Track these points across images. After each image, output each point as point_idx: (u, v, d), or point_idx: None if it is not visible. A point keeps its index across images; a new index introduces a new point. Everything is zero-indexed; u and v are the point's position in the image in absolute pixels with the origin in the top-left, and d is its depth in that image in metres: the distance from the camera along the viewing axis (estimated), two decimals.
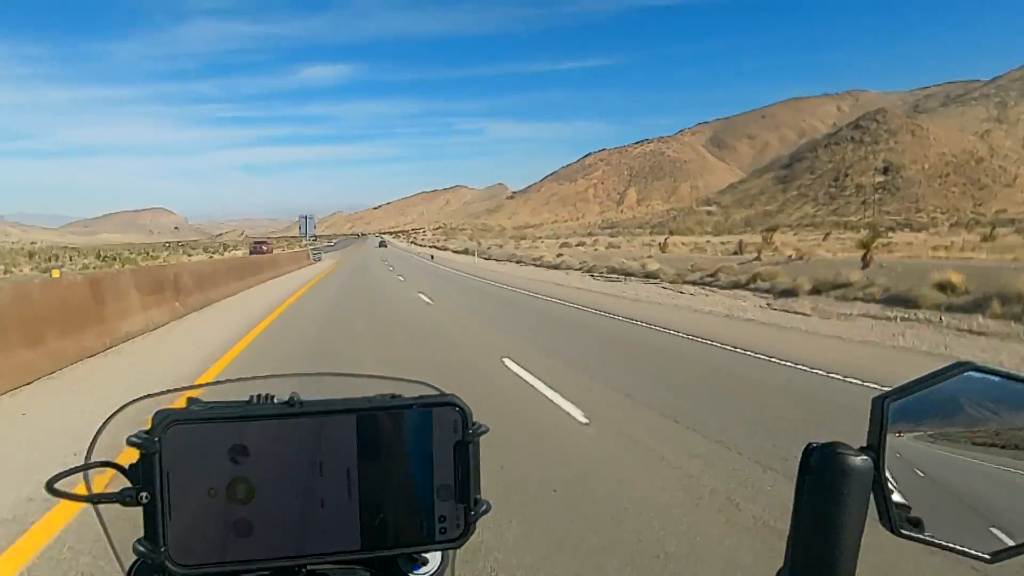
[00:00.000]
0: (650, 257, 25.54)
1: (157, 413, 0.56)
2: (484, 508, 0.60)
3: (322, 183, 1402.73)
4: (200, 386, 0.69)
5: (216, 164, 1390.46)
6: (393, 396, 0.61)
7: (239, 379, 0.75)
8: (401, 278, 23.43)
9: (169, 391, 0.77)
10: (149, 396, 0.70)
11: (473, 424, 0.59)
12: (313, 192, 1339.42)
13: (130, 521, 0.55)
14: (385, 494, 0.58)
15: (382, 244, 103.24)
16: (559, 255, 33.69)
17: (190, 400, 0.60)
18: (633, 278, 20.78)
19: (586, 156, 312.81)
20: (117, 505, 0.52)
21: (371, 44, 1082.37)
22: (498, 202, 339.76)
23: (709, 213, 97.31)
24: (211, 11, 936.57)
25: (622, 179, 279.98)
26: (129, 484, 0.55)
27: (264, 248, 52.33)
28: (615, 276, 22.00)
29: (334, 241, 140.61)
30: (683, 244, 43.17)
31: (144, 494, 0.53)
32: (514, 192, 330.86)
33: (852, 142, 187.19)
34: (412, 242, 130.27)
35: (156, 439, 0.53)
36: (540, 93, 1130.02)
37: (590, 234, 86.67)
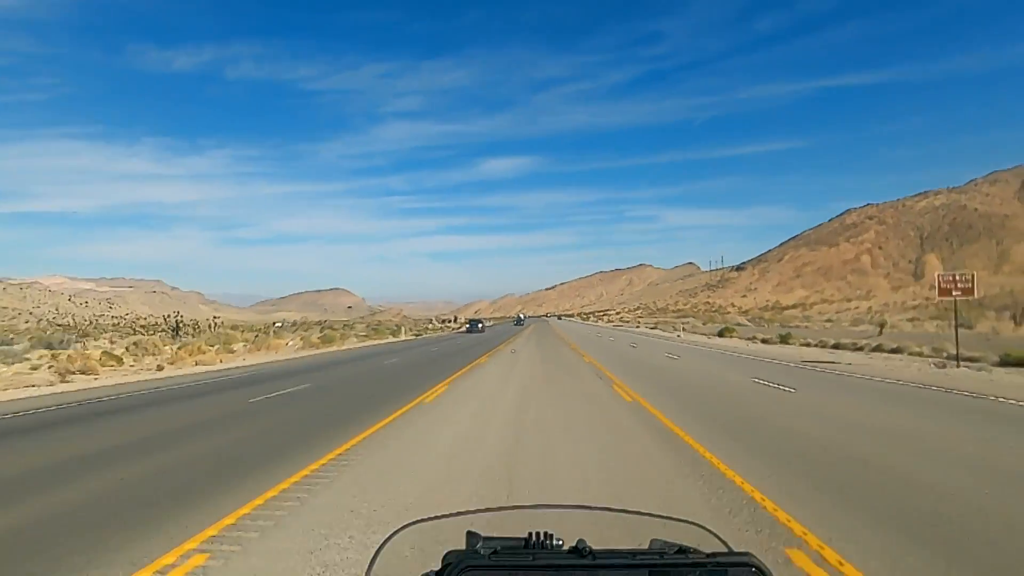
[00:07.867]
0: None
1: (448, 554, 0.55)
2: None
3: (498, 269, 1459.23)
4: (472, 512, 0.67)
5: (399, 251, 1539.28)
6: (681, 549, 0.56)
7: (512, 507, 0.73)
8: None
9: (443, 516, 0.78)
10: (424, 520, 0.72)
11: None
12: (488, 276, 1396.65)
13: None
14: None
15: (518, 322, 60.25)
16: None
17: (469, 534, 0.58)
18: None
19: (845, 213, 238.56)
20: None
21: (549, 137, 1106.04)
22: (720, 275, 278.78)
23: None
24: (403, 114, 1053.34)
25: (909, 242, 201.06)
26: None
27: None
28: None
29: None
30: None
31: None
32: (743, 262, 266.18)
33: None
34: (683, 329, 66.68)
35: None
36: (724, 178, 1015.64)
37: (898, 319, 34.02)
